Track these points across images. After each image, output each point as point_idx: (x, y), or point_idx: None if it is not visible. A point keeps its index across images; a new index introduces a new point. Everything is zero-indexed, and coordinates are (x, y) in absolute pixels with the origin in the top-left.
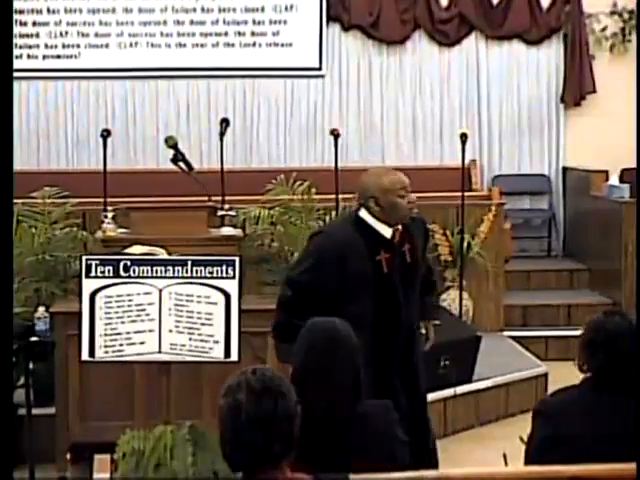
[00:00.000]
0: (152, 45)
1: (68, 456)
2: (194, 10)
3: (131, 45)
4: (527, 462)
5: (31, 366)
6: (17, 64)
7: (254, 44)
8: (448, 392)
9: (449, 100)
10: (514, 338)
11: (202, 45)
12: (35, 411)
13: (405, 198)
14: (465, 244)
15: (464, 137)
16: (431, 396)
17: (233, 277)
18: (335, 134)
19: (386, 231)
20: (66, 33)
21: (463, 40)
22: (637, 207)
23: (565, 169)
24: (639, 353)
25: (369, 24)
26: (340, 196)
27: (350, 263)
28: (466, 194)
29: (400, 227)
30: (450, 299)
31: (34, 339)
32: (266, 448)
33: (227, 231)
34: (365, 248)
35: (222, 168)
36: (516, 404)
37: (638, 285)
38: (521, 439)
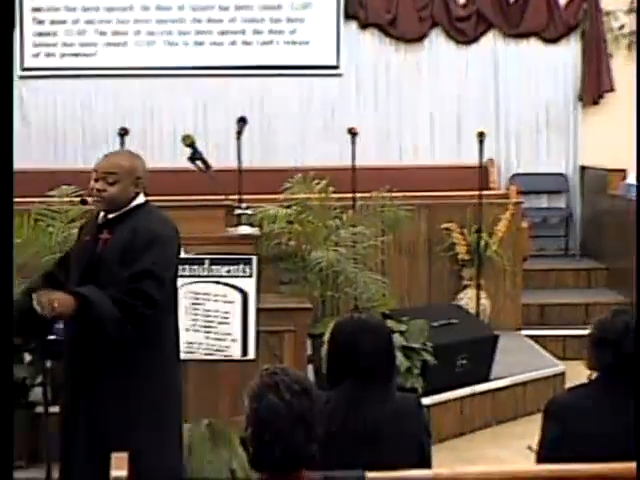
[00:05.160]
0: (169, 43)
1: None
2: (211, 8)
3: (148, 43)
4: (538, 461)
5: (48, 365)
6: (35, 63)
7: (271, 42)
8: (466, 391)
9: (466, 98)
10: (532, 337)
11: (219, 43)
12: (52, 409)
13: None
14: (482, 243)
15: (481, 136)
16: (448, 395)
17: (250, 276)
18: (352, 132)
19: None
20: (84, 31)
21: (480, 38)
22: (637, 207)
23: (583, 168)
24: (639, 353)
25: (386, 22)
26: (357, 195)
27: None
28: (483, 193)
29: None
30: (467, 298)
31: (51, 337)
32: (305, 448)
33: (244, 230)
34: None
35: (239, 167)
36: (534, 403)
37: (638, 285)
38: (529, 448)
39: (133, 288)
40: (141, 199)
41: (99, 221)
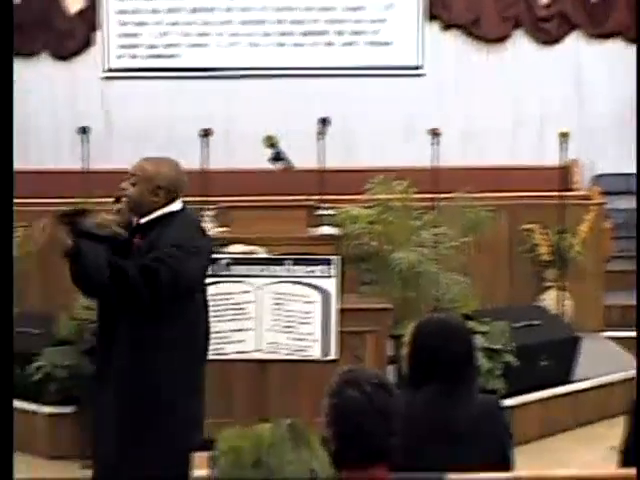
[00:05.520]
0: (252, 44)
1: None
2: (294, 9)
3: (231, 45)
4: (622, 464)
5: None
6: (119, 64)
7: (354, 43)
8: (547, 392)
9: (549, 99)
10: (614, 339)
11: (301, 44)
12: None
13: None
14: (565, 244)
15: (564, 136)
16: (530, 396)
17: (332, 276)
18: (435, 133)
19: None
20: (167, 33)
21: (564, 38)
22: (637, 206)
23: None
24: None
25: (469, 22)
26: (438, 195)
27: None
28: (566, 194)
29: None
30: (550, 299)
31: None
32: (385, 442)
33: (325, 230)
34: None
35: (322, 167)
36: (616, 405)
37: (638, 286)
38: (613, 448)
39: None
40: (176, 206)
41: (134, 224)
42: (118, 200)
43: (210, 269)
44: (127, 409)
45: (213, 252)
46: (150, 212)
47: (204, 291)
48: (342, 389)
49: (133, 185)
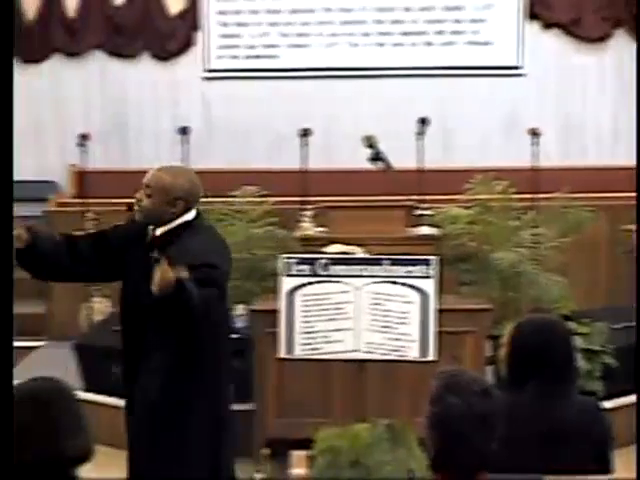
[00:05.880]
0: (351, 44)
1: (265, 451)
2: (394, 9)
3: (330, 45)
4: None
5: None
6: (219, 64)
7: (453, 43)
8: None
9: None
10: None
11: (401, 44)
12: (234, 407)
13: None
14: None
15: None
16: (629, 399)
17: (430, 276)
18: (534, 133)
19: None
20: (267, 34)
21: None
22: (637, 206)
23: None
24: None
25: (570, 22)
26: (538, 195)
27: None
28: None
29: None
30: None
31: (233, 336)
32: (485, 450)
33: (424, 230)
34: None
35: (421, 167)
36: None
37: (638, 286)
38: None
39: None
40: (189, 216)
41: (149, 236)
42: (130, 209)
43: (308, 269)
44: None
45: (231, 260)
46: (166, 223)
47: (225, 297)
48: (443, 395)
49: (148, 196)
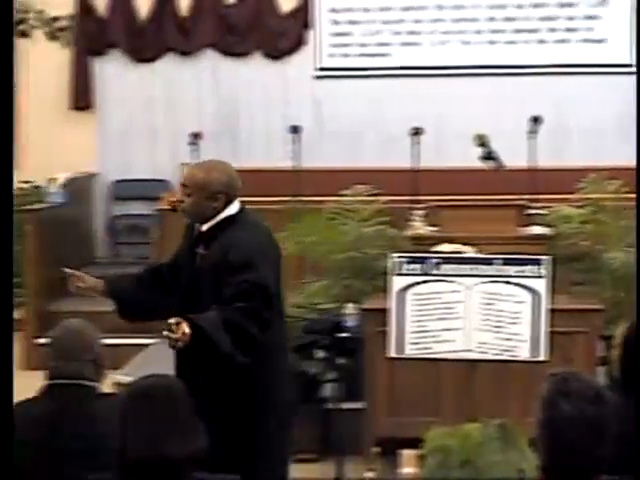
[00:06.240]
0: (463, 42)
1: (375, 450)
2: (506, 6)
3: (442, 43)
4: None
5: (340, 361)
6: (331, 63)
7: (566, 40)
8: None
9: None
10: None
11: (513, 42)
12: (344, 405)
13: None
14: None
15: None
16: None
17: (542, 276)
18: None
19: None
20: (379, 32)
21: None
22: (637, 206)
23: None
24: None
25: None
26: None
27: None
28: None
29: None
30: None
31: (343, 335)
32: (599, 456)
33: (536, 230)
34: None
35: (533, 166)
36: None
37: (638, 286)
38: None
39: (248, 308)
40: (233, 209)
41: (196, 233)
42: (174, 209)
43: (418, 268)
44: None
45: (279, 252)
46: (210, 218)
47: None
48: (555, 399)
49: (188, 195)
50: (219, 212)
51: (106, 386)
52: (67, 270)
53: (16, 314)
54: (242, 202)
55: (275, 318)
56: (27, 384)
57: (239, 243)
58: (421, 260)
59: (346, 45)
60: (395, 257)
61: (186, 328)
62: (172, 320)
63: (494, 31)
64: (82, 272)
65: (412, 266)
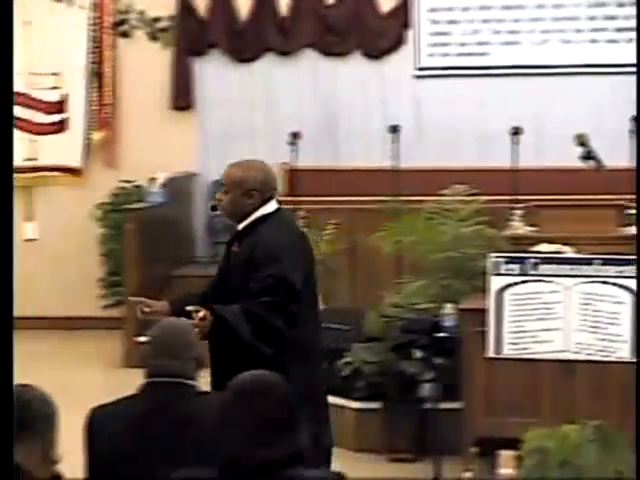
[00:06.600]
0: (563, 41)
1: (473, 450)
2: (607, 4)
3: (542, 42)
4: None
5: (438, 361)
6: (430, 62)
7: None
8: None
9: None
10: None
11: (615, 40)
12: (441, 405)
13: None
14: None
15: None
16: None
17: None
18: None
19: None
20: (479, 31)
21: None
22: (637, 206)
23: None
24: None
25: None
26: None
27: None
28: None
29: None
30: None
31: (441, 335)
32: None
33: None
34: None
35: (633, 167)
36: None
37: (638, 285)
38: None
39: (273, 302)
40: (269, 208)
41: (233, 233)
42: (215, 208)
43: (517, 268)
44: None
45: (311, 254)
46: (246, 216)
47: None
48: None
49: (226, 193)
50: (255, 210)
51: None
52: (132, 299)
53: (116, 312)
54: (338, 201)
55: (307, 316)
56: (127, 382)
57: (266, 240)
58: (520, 260)
59: (445, 44)
60: (494, 257)
61: (204, 313)
62: (191, 307)
63: (595, 30)
64: (182, 271)
65: (511, 266)
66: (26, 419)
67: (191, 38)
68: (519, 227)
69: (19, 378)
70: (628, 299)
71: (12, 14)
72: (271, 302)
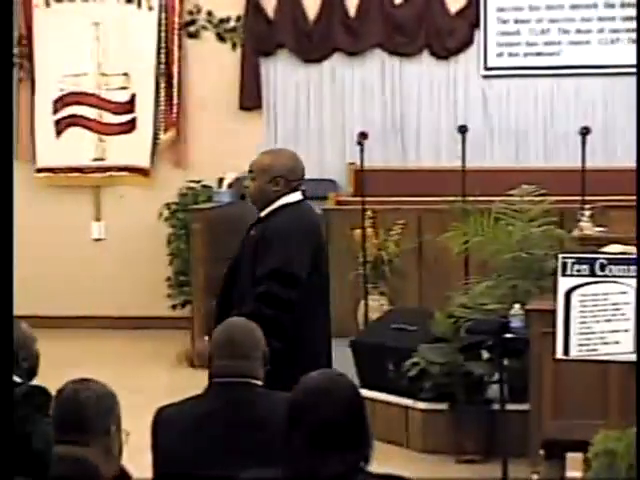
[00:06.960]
0: (633, 41)
1: (541, 452)
2: None
3: (612, 41)
4: None
5: (505, 362)
6: (498, 62)
7: None
8: None
9: None
10: None
11: None
12: (509, 407)
13: None
14: None
15: None
16: None
17: None
18: None
19: None
20: (547, 30)
21: None
22: (637, 205)
23: None
24: None
25: None
26: None
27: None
28: None
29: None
30: None
31: (509, 336)
32: None
33: None
34: None
35: None
36: None
37: (638, 284)
38: None
39: (264, 292)
40: (292, 198)
41: (256, 219)
42: (243, 197)
43: (586, 269)
44: None
45: (321, 244)
46: (270, 203)
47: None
48: None
49: (253, 179)
50: (278, 198)
51: None
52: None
53: (183, 312)
54: (406, 201)
55: (317, 308)
56: (194, 382)
57: (276, 225)
58: (589, 261)
59: (514, 44)
60: (562, 258)
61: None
62: None
63: None
64: None
65: (579, 267)
66: (87, 414)
67: (259, 38)
68: (588, 228)
69: (87, 376)
70: None
71: (12, 14)
72: (260, 293)
